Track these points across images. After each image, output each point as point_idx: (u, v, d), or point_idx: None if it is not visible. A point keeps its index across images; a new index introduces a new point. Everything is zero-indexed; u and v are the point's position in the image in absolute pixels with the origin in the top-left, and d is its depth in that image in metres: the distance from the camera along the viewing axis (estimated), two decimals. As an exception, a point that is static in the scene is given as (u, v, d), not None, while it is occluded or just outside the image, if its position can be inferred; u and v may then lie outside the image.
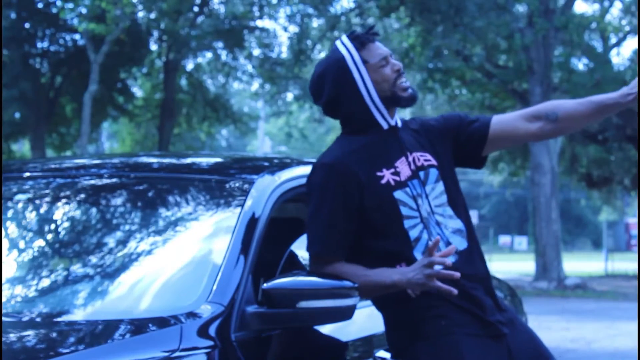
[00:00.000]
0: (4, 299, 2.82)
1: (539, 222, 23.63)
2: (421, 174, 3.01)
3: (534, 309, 13.97)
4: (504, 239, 50.22)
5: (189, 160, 3.79)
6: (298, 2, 22.24)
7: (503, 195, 54.80)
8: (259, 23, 25.40)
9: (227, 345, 2.67)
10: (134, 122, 29.19)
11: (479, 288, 2.99)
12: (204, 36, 23.37)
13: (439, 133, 3.14)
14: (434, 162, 3.06)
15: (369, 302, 3.14)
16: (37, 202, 3.30)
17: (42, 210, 3.26)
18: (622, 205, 46.32)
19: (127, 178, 3.33)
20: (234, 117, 28.48)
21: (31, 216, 3.28)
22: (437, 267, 2.76)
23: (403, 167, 3.00)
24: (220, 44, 25.21)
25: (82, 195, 3.28)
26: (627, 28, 26.96)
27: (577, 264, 36.08)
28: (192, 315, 2.67)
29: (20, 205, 3.29)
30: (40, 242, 3.20)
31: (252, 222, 3.00)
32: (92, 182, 3.35)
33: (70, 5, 20.86)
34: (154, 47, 25.81)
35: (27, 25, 23.83)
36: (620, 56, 52.17)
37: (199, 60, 27.54)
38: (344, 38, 3.07)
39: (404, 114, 23.17)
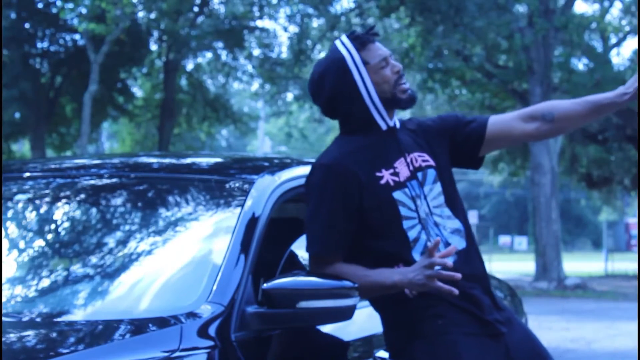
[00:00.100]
0: (4, 299, 2.82)
1: (539, 222, 23.64)
2: (419, 174, 3.01)
3: (534, 309, 13.98)
4: (504, 239, 50.23)
5: (189, 160, 3.79)
6: (298, 2, 22.24)
7: (503, 195, 54.83)
8: (259, 23, 25.43)
9: (227, 345, 2.67)
10: (134, 122, 29.19)
11: (477, 287, 2.99)
12: (204, 36, 23.37)
13: (436, 133, 3.14)
14: (431, 162, 3.06)
15: (369, 302, 3.14)
16: (37, 202, 3.29)
17: (42, 210, 3.26)
18: (622, 205, 46.33)
19: (127, 178, 3.33)
20: (234, 117, 28.48)
21: (31, 216, 3.28)
22: (437, 268, 2.77)
23: (402, 168, 3.00)
24: (220, 44, 25.21)
25: (82, 196, 3.28)
26: (627, 28, 26.96)
27: (577, 264, 36.09)
28: (192, 315, 2.67)
29: (20, 205, 3.29)
30: (40, 242, 3.20)
31: (252, 222, 3.00)
32: (92, 182, 3.35)
33: (70, 5, 20.86)
34: (154, 47, 25.81)
35: (27, 25, 23.84)
36: (620, 56, 52.22)
37: (199, 60, 27.56)
38: (344, 38, 3.06)
39: (404, 114, 23.11)
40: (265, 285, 2.75)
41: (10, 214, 3.24)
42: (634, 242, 44.09)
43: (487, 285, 3.05)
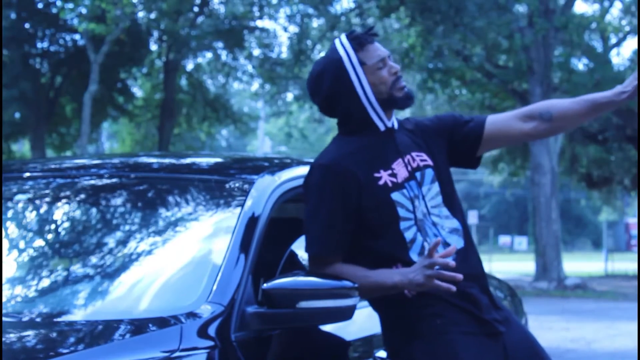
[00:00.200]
0: (4, 299, 2.82)
1: (539, 222, 23.64)
2: (417, 174, 3.02)
3: (534, 309, 13.98)
4: (504, 239, 50.23)
5: (189, 160, 3.79)
6: (298, 2, 22.23)
7: (503, 195, 54.82)
8: (259, 23, 25.41)
9: (227, 345, 2.67)
10: (134, 122, 29.19)
11: (475, 286, 2.99)
12: (204, 36, 23.36)
13: (434, 133, 3.14)
14: (429, 162, 3.06)
15: (367, 302, 3.14)
16: (37, 202, 3.29)
17: (42, 210, 3.26)
18: (622, 205, 46.33)
19: (127, 178, 3.33)
20: (234, 117, 28.48)
21: (31, 216, 3.28)
22: (436, 268, 2.77)
23: (400, 169, 3.00)
24: (220, 44, 25.21)
25: (82, 196, 3.28)
26: (627, 28, 26.96)
27: (577, 264, 36.10)
28: (192, 315, 2.67)
29: (20, 205, 3.29)
30: (40, 242, 3.20)
31: (252, 222, 3.00)
32: (92, 182, 3.35)
33: (70, 5, 20.86)
34: (154, 47, 25.81)
35: (27, 25, 23.83)
36: (620, 56, 52.21)
37: (199, 60, 27.55)
38: (343, 38, 3.06)
39: (404, 114, 23.18)
40: (265, 285, 2.75)
41: (10, 214, 3.24)
42: (634, 242, 44.09)
43: (485, 284, 3.05)
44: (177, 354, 2.53)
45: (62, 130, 28.27)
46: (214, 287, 2.77)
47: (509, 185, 41.31)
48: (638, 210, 31.76)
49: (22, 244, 3.21)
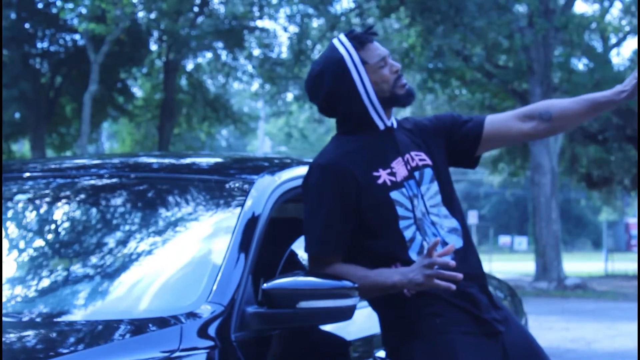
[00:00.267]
0: (4, 299, 2.82)
1: (539, 222, 23.64)
2: (416, 174, 3.01)
3: (534, 309, 13.98)
4: (504, 239, 50.24)
5: (189, 160, 3.79)
6: (298, 2, 22.23)
7: (503, 195, 54.82)
8: (259, 23, 25.40)
9: (227, 345, 2.67)
10: (134, 122, 29.19)
11: (474, 286, 2.99)
12: (204, 36, 23.35)
13: (433, 132, 3.14)
14: (428, 161, 3.06)
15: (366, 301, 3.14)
16: (37, 202, 3.29)
17: (42, 211, 3.26)
18: (622, 206, 46.32)
19: (127, 178, 3.33)
20: (234, 117, 28.47)
21: (31, 216, 3.28)
22: (436, 267, 2.77)
23: (399, 168, 3.00)
24: (220, 44, 25.20)
25: (82, 196, 3.28)
26: (627, 28, 26.96)
27: (577, 264, 36.10)
28: (192, 315, 2.67)
29: (20, 205, 3.29)
30: (40, 242, 3.20)
31: (252, 222, 3.00)
32: (92, 182, 3.35)
33: (70, 6, 20.86)
34: (154, 47, 25.80)
35: (27, 25, 23.83)
36: (620, 56, 52.19)
37: (199, 60, 27.54)
38: (342, 37, 3.05)
39: (404, 113, 23.18)
40: (265, 285, 2.75)
41: (10, 214, 3.24)
42: (634, 242, 44.09)
43: (484, 284, 3.05)
44: (177, 354, 2.53)
45: (62, 130, 28.27)
46: (214, 287, 2.77)
47: (509, 185, 41.31)
48: (638, 210, 31.76)
49: (22, 244, 3.21)
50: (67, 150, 28.54)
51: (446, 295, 2.90)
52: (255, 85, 28.94)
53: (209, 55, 26.80)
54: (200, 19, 23.87)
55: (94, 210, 3.25)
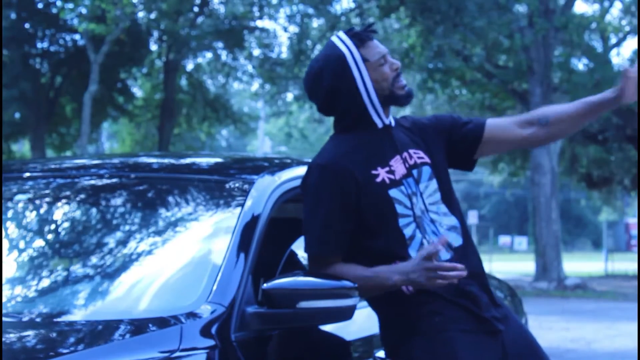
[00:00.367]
0: (4, 299, 2.82)
1: (539, 222, 23.64)
2: (414, 171, 3.01)
3: (534, 309, 13.98)
4: (504, 239, 50.25)
5: (189, 160, 3.79)
6: (298, 2, 22.23)
7: (503, 195, 54.84)
8: (259, 23, 25.40)
9: (227, 345, 2.67)
10: (134, 122, 29.19)
11: (474, 284, 2.99)
12: (204, 36, 23.35)
13: (432, 132, 3.14)
14: (427, 159, 3.06)
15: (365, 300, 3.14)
16: (37, 202, 3.29)
17: (42, 211, 3.26)
18: (622, 206, 46.32)
19: (127, 178, 3.33)
20: (234, 117, 28.48)
21: (31, 216, 3.28)
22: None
23: (398, 166, 3.00)
24: (220, 44, 25.20)
25: (82, 196, 3.28)
26: (627, 28, 26.96)
27: (577, 264, 36.10)
28: (192, 315, 2.67)
29: (20, 205, 3.29)
30: (40, 242, 3.20)
31: (252, 222, 3.00)
32: (92, 182, 3.35)
33: (70, 6, 20.86)
34: (154, 47, 25.81)
35: (27, 25, 23.83)
36: (620, 56, 52.11)
37: (199, 60, 27.55)
38: (342, 35, 3.04)
39: (404, 113, 23.10)
40: (265, 285, 2.75)
41: (10, 214, 3.24)
42: (634, 242, 44.08)
43: (484, 282, 3.05)
44: (177, 354, 2.53)
45: (62, 130, 28.27)
46: (214, 287, 2.77)
47: (509, 185, 41.33)
48: (638, 210, 31.76)
49: (22, 244, 3.21)
50: (67, 150, 28.54)
51: (446, 294, 2.91)
52: (255, 85, 28.95)
53: (209, 55, 26.81)
54: (200, 19, 23.88)
55: (94, 210, 3.25)
